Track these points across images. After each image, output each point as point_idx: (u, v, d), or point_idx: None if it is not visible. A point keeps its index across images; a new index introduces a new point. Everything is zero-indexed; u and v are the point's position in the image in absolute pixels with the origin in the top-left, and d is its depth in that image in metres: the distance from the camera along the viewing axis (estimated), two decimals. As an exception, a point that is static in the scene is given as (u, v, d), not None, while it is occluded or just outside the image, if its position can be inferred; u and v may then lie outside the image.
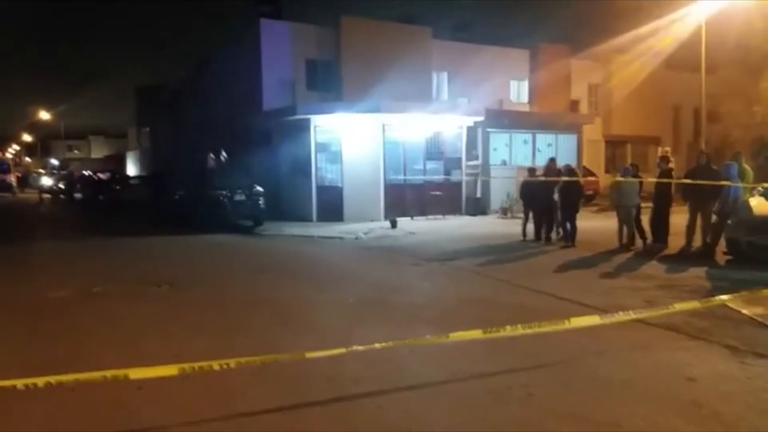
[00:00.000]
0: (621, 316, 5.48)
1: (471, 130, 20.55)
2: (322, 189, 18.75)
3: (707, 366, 5.23)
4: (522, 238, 13.67)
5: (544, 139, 22.25)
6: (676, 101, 31.57)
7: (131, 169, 46.65)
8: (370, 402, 4.58)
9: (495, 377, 5.04)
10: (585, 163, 24.46)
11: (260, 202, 17.43)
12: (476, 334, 4.75)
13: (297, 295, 8.53)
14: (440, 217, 18.76)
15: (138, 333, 6.55)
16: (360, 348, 4.61)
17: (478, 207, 20.10)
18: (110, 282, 9.30)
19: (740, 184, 10.82)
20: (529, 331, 4.91)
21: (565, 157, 20.15)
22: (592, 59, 28.92)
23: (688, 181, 10.93)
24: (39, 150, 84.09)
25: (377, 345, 4.75)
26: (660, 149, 23.82)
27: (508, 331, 4.72)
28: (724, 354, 5.55)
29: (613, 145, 30.49)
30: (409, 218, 17.98)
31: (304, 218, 18.49)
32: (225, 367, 4.06)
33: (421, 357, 5.54)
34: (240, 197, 17.20)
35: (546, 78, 27.69)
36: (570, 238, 12.81)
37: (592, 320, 5.40)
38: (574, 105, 29.37)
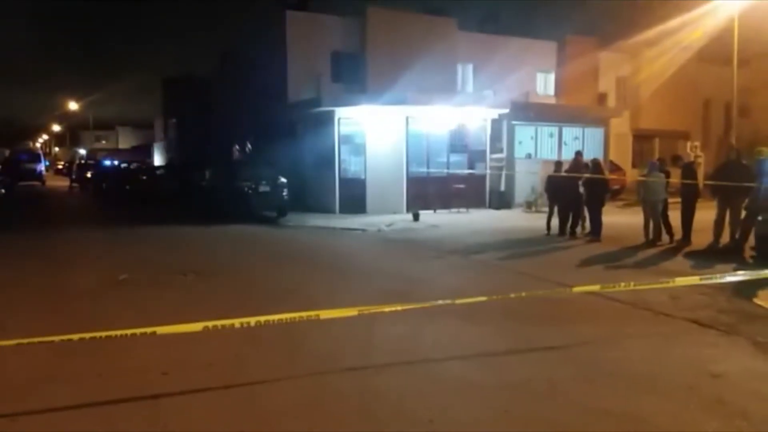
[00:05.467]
0: (621, 287, 6.44)
1: (496, 123, 20.36)
2: (345, 181, 18.80)
3: (733, 362, 5.16)
4: (546, 232, 13.55)
5: (570, 132, 21.99)
6: (707, 95, 30.91)
7: (158, 160, 47.24)
8: (392, 392, 4.60)
9: (517, 370, 5.04)
10: (612, 157, 24.14)
11: (284, 193, 17.56)
12: (481, 299, 5.68)
13: (320, 286, 8.59)
14: (463, 210, 18.68)
15: (163, 320, 6.63)
16: (371, 310, 5.16)
17: (503, 201, 19.95)
18: (136, 270, 9.44)
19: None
20: (531, 295, 6.01)
21: (592, 151, 20.01)
22: (620, 52, 28.43)
23: (706, 182, 10.75)
24: (68, 140, 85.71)
25: (386, 309, 5.38)
26: (689, 144, 23.43)
27: (512, 296, 5.81)
28: (750, 351, 5.47)
29: (641, 139, 29.96)
30: (431, 211, 17.96)
31: (327, 210, 18.57)
32: (246, 325, 4.56)
33: (443, 348, 5.57)
34: (264, 188, 17.34)
35: (573, 70, 27.29)
36: (595, 232, 12.68)
37: (592, 288, 6.37)
38: (602, 98, 28.94)
